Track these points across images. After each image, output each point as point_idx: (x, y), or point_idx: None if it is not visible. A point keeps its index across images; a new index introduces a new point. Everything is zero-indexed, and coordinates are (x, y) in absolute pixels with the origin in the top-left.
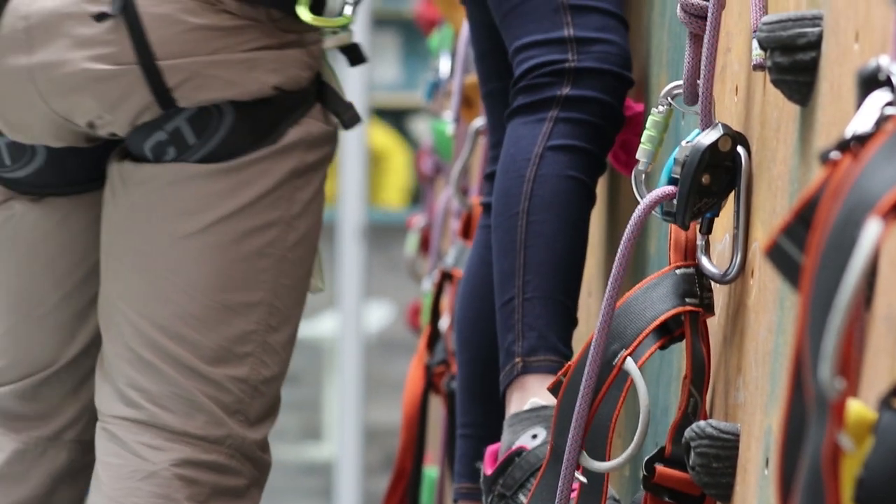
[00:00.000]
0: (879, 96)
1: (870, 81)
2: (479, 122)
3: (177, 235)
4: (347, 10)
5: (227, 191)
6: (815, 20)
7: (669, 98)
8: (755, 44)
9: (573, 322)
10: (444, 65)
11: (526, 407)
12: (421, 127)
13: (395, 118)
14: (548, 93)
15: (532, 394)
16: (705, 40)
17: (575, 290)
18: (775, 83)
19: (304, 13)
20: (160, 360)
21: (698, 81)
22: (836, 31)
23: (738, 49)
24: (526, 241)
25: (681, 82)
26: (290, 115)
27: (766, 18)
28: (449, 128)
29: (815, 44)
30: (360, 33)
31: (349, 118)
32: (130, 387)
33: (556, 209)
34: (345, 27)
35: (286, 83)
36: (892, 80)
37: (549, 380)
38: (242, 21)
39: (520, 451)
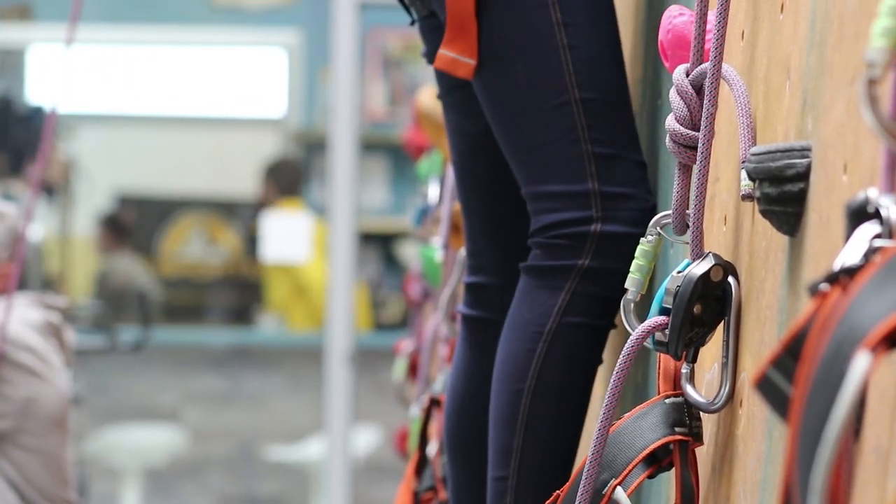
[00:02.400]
0: (868, 228)
1: (858, 213)
2: None
3: None
4: None
5: None
6: (804, 151)
7: (659, 227)
8: (744, 174)
9: None
10: (432, 191)
11: None
12: (409, 251)
13: (383, 242)
14: (567, 260)
15: None
16: (696, 170)
17: (569, 471)
18: (764, 213)
19: None
20: None
21: (688, 211)
22: (824, 162)
23: (726, 179)
24: (527, 422)
25: (670, 212)
26: None
27: (754, 149)
28: (438, 254)
29: (804, 175)
30: (348, 158)
31: None
32: None
33: (562, 396)
34: None
35: None
36: (881, 213)
37: None
38: None
39: None
